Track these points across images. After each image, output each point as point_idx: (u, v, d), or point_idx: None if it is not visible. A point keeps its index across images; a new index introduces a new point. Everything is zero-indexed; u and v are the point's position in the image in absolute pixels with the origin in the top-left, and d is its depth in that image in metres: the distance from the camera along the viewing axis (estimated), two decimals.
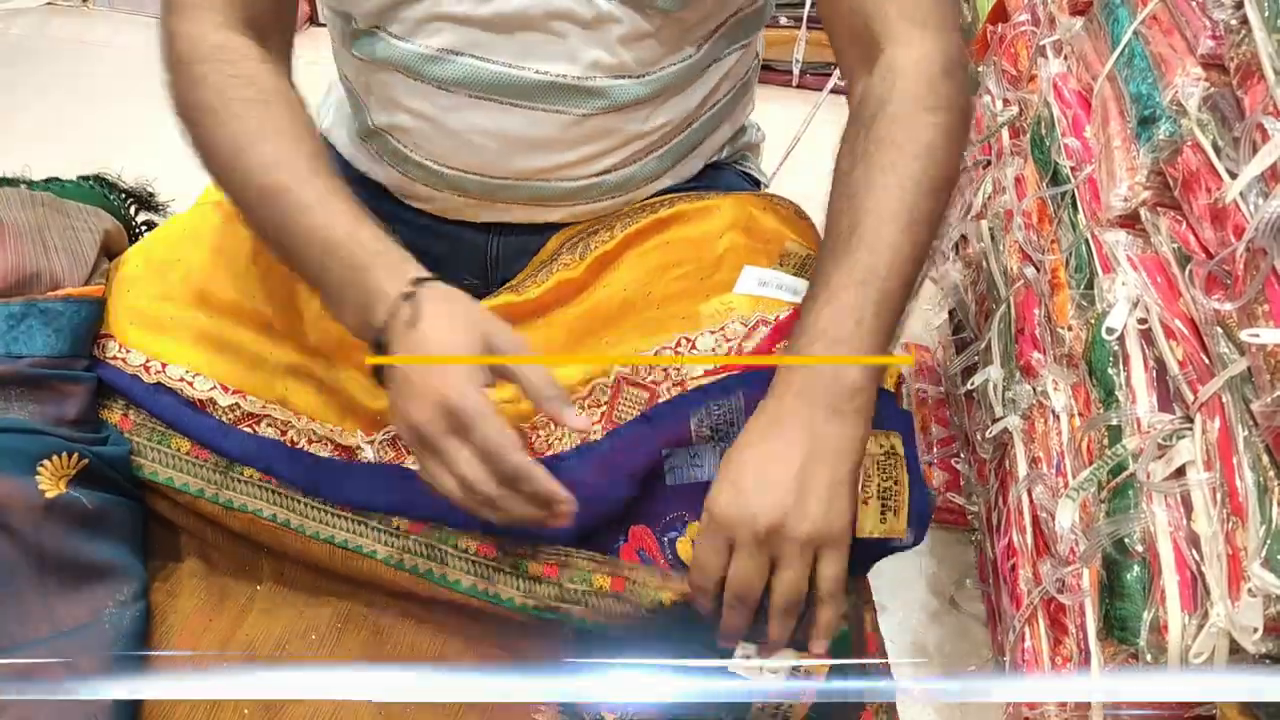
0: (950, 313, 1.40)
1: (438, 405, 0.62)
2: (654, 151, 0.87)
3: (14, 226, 0.79)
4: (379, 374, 0.66)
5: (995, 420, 1.05)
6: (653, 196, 0.91)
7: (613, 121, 0.81)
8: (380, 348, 0.65)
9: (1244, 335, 0.64)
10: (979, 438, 1.10)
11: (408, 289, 0.65)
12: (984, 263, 1.24)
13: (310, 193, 0.68)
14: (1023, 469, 1.00)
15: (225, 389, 0.76)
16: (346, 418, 0.78)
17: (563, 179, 0.84)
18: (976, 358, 1.20)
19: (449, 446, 0.62)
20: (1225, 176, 0.71)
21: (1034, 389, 1.01)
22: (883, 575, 0.93)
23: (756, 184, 1.00)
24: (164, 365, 0.75)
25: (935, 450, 1.32)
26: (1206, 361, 0.72)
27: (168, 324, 0.78)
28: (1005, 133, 1.25)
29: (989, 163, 1.35)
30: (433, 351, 0.63)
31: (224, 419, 0.76)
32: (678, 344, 0.74)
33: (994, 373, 1.08)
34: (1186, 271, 0.74)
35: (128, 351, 0.75)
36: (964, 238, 1.39)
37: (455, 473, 0.62)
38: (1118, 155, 0.87)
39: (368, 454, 0.75)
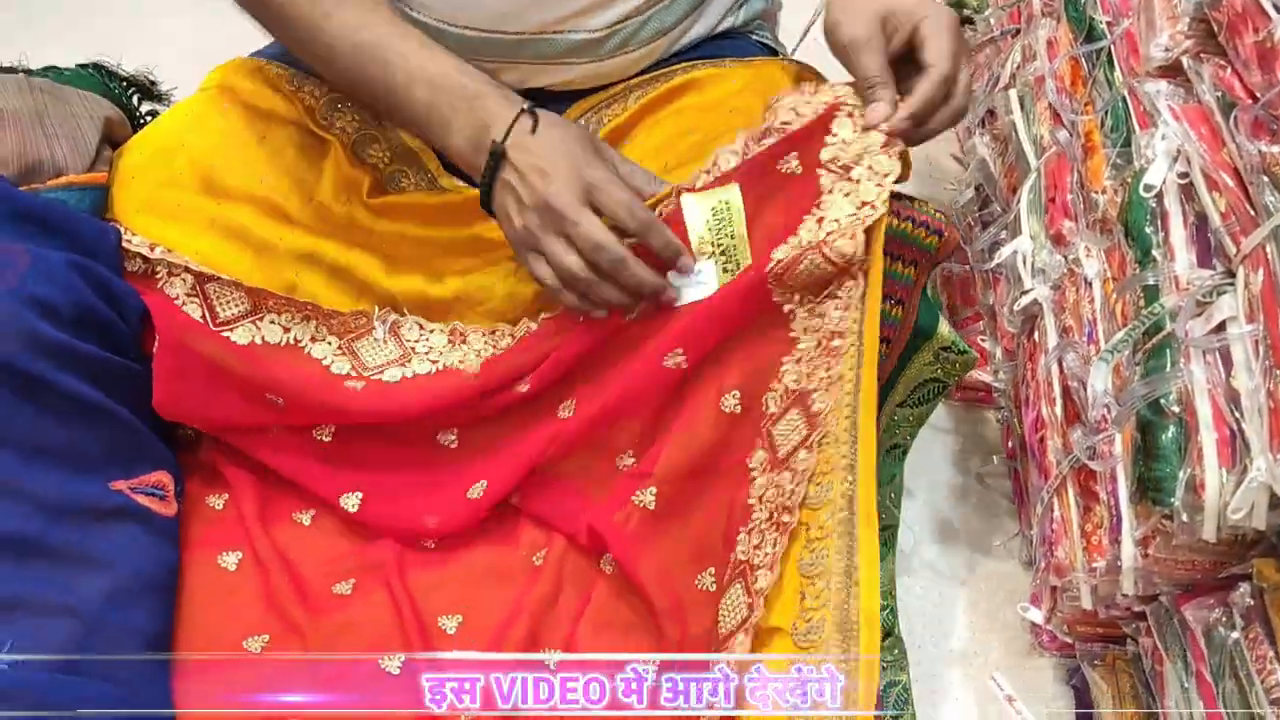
0: (977, 188, 1.35)
1: (540, 209, 0.70)
2: (661, 1, 0.83)
3: (13, 114, 0.77)
4: (487, 200, 0.74)
5: (1024, 293, 1.02)
6: (662, 64, 0.88)
7: None
8: (496, 159, 0.72)
9: None
10: (1006, 312, 1.08)
11: (525, 106, 0.73)
12: (1012, 134, 1.20)
13: (406, 44, 0.75)
14: (1053, 340, 0.98)
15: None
16: (361, 299, 0.77)
17: (571, 30, 0.81)
18: (1004, 233, 1.17)
19: (550, 243, 0.71)
20: (1273, 13, 0.67)
21: (1065, 258, 0.98)
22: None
23: (774, 53, 0.97)
24: (169, 252, 0.74)
25: (963, 330, 1.30)
26: (1251, 213, 0.69)
27: (173, 210, 0.76)
28: None
29: (1017, 31, 1.29)
30: (555, 154, 0.71)
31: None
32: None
33: (1023, 244, 1.04)
34: (1231, 118, 0.71)
35: (133, 237, 0.74)
36: (991, 112, 1.34)
37: (557, 266, 0.71)
38: (1158, 4, 0.83)
39: (378, 333, 0.75)
